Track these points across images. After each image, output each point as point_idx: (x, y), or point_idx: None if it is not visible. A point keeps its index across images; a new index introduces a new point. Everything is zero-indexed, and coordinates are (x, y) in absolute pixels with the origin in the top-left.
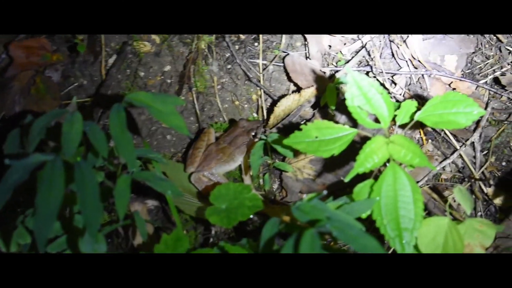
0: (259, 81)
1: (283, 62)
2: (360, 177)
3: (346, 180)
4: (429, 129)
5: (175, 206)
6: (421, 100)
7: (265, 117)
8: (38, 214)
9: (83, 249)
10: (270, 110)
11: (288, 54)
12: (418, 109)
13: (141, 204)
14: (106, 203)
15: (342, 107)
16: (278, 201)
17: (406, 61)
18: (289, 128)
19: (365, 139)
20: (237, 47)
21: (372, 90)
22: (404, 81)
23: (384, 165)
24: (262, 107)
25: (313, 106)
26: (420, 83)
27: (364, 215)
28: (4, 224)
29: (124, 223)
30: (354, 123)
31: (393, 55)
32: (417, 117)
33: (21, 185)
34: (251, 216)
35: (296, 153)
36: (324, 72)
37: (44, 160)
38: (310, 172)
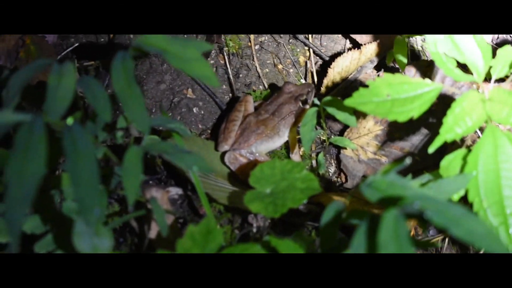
0: (307, 39)
1: None
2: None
3: (430, 150)
4: None
5: (206, 194)
6: None
7: (316, 83)
8: (9, 197)
9: (79, 247)
10: (323, 74)
11: None
12: None
13: (160, 190)
14: (115, 190)
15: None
16: (336, 188)
17: None
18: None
19: (446, 98)
20: None
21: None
22: (490, 36)
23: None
24: (311, 71)
25: (377, 67)
26: (510, 37)
27: (455, 196)
28: None
29: (136, 214)
30: None
31: None
32: None
33: None
34: (304, 202)
35: (354, 127)
36: None
37: (19, 120)
38: (375, 151)
